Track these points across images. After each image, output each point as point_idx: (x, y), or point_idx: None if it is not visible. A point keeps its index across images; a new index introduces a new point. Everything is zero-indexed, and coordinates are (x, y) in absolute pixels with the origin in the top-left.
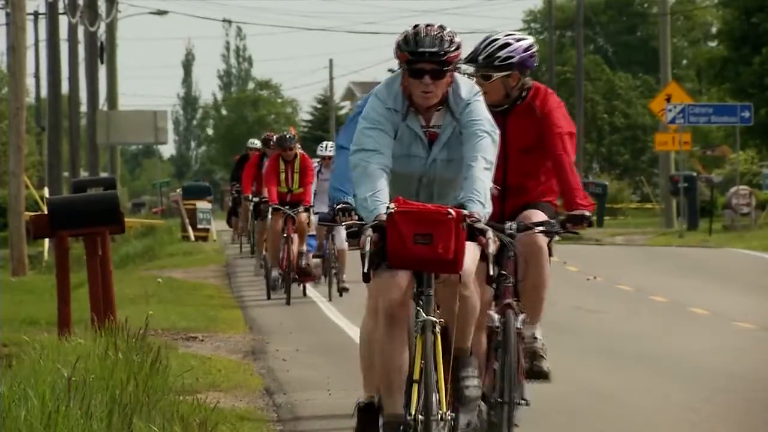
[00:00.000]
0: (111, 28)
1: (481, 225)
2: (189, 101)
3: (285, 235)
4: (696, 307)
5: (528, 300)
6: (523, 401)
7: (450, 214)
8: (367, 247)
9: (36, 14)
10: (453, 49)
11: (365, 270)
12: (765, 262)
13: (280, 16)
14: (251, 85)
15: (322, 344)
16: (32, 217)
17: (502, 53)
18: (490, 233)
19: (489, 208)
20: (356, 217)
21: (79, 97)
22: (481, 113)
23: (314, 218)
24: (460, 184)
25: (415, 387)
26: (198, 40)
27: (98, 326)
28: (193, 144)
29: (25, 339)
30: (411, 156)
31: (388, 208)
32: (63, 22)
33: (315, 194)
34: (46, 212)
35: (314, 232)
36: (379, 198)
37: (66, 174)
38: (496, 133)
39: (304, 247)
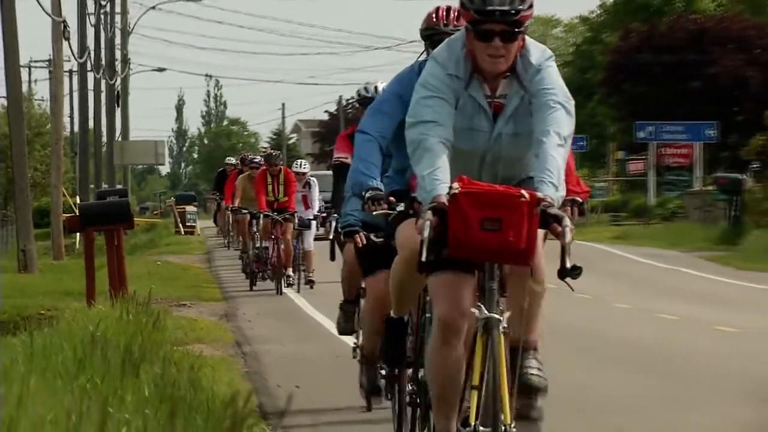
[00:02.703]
0: (125, 81)
1: (555, 210)
2: (180, 133)
3: (273, 236)
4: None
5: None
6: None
7: (523, 196)
8: (426, 233)
9: (71, 72)
10: (526, 7)
11: (423, 259)
12: (597, 250)
13: (247, 72)
14: (225, 122)
15: (276, 310)
16: (68, 217)
17: None
18: (566, 220)
19: (562, 191)
20: (386, 206)
21: (101, 131)
22: (554, 81)
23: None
24: (528, 164)
25: (475, 394)
26: (187, 89)
27: (114, 297)
28: (183, 165)
29: (62, 305)
30: (473, 130)
31: (450, 188)
32: (90, 77)
33: None
34: (77, 214)
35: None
36: (438, 177)
37: (92, 186)
38: (571, 103)
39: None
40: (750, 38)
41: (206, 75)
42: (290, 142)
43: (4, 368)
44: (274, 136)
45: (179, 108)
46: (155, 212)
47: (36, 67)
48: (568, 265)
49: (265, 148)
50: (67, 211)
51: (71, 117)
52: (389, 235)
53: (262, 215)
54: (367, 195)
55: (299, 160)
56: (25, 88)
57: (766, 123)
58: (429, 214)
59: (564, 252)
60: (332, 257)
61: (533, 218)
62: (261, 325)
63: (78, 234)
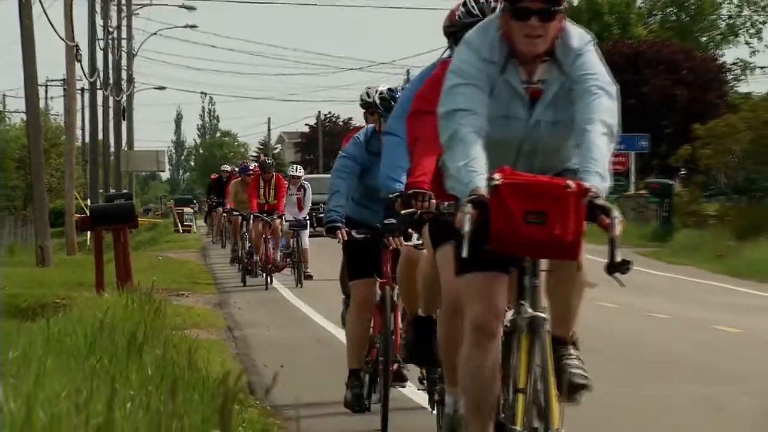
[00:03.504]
0: (130, 98)
1: (602, 201)
2: (179, 144)
3: (264, 236)
4: None
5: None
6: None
7: (569, 186)
8: (467, 227)
9: (82, 89)
10: None
11: (464, 254)
12: None
13: (237, 90)
14: (218, 134)
15: (263, 300)
16: (79, 217)
17: None
18: (615, 212)
19: (609, 182)
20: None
21: (109, 141)
22: (596, 66)
23: (285, 224)
24: (567, 154)
25: (521, 398)
26: (184, 105)
27: (121, 287)
28: (181, 171)
29: (75, 295)
30: (509, 118)
31: (491, 179)
32: (99, 94)
33: (285, 205)
34: (88, 215)
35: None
36: (475, 167)
37: (101, 190)
38: (614, 89)
39: (276, 244)
40: (678, 61)
41: (201, 93)
42: (275, 151)
43: (24, 350)
44: (261, 147)
45: (178, 121)
46: (157, 213)
47: (52, 85)
48: (618, 259)
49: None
50: (79, 212)
51: (83, 129)
52: (377, 234)
53: (252, 216)
54: (393, 196)
55: (294, 165)
56: (42, 104)
57: (691, 135)
58: (469, 207)
59: (613, 245)
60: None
61: (580, 209)
62: (250, 312)
63: (89, 232)
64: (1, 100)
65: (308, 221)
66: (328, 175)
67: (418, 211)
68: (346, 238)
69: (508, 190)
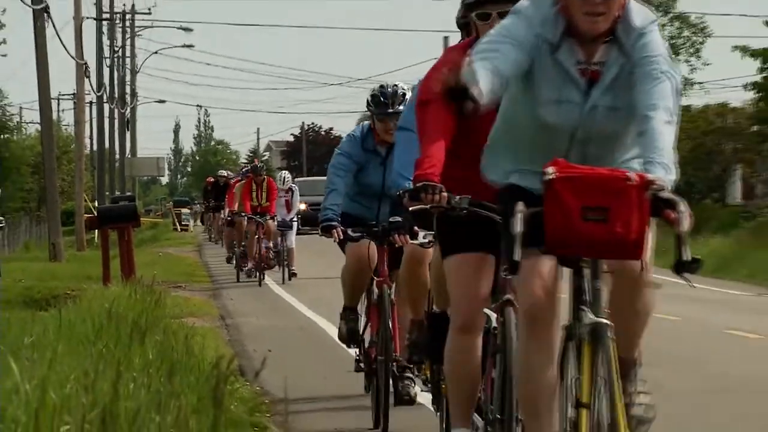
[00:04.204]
0: (133, 110)
1: (668, 195)
2: (177, 152)
3: (257, 236)
4: None
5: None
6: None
7: (630, 179)
8: (519, 227)
9: (90, 103)
10: None
11: (516, 258)
12: None
13: (230, 103)
14: (213, 143)
15: (253, 291)
16: (88, 217)
17: None
18: (682, 205)
19: (674, 174)
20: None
21: (114, 149)
22: (658, 48)
23: (274, 224)
24: (624, 144)
25: (584, 413)
26: (182, 116)
27: (125, 280)
28: (179, 176)
29: (84, 287)
30: (562, 102)
31: (545, 173)
32: (106, 107)
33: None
34: (96, 215)
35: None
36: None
37: (107, 193)
38: (677, 75)
39: (270, 244)
40: None
41: (197, 105)
42: (264, 158)
43: (38, 336)
44: (251, 154)
45: (176, 131)
46: (157, 213)
47: (63, 98)
48: (687, 257)
49: (248, 161)
50: (88, 213)
51: (91, 138)
52: (372, 233)
53: (246, 217)
54: (401, 193)
55: (283, 175)
56: (54, 116)
57: None
58: (521, 206)
59: (681, 242)
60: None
61: (643, 204)
62: (241, 303)
63: (96, 231)
64: (18, 111)
65: (294, 222)
66: (321, 178)
67: (428, 206)
68: (341, 237)
69: (563, 184)
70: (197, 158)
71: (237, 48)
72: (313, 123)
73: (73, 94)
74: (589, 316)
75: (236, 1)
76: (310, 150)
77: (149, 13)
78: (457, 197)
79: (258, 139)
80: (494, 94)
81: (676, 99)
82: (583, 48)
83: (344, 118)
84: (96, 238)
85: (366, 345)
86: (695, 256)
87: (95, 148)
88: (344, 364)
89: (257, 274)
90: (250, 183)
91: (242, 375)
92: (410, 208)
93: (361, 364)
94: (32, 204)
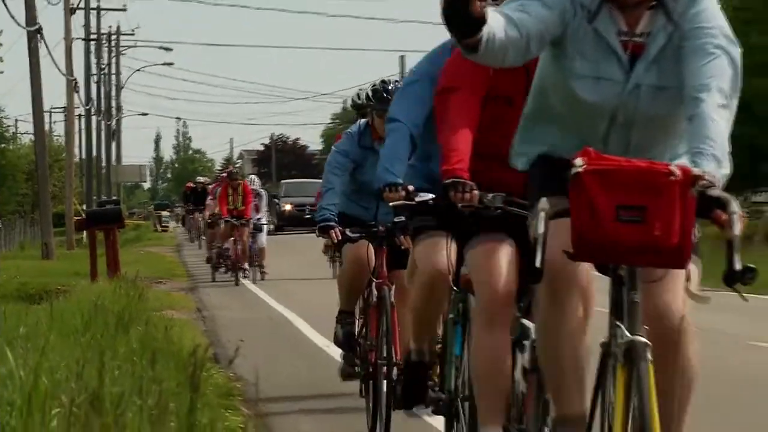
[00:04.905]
0: (118, 122)
1: (718, 192)
2: (158, 160)
3: (233, 238)
4: None
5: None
6: None
7: (673, 174)
8: (541, 228)
9: (79, 116)
10: None
11: (538, 264)
12: None
13: (206, 115)
14: (190, 152)
15: (227, 287)
16: (77, 219)
17: None
18: (734, 205)
19: (728, 168)
20: (403, 194)
21: (101, 157)
22: (715, 17)
23: (249, 227)
24: (672, 130)
25: None
26: (163, 128)
27: (111, 276)
28: (160, 182)
29: (73, 283)
30: (600, 79)
31: (572, 165)
32: (93, 119)
33: None
34: (84, 217)
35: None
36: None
37: (95, 197)
38: (736, 50)
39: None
40: None
41: (177, 118)
42: (236, 166)
43: (31, 328)
44: (225, 162)
45: (157, 141)
46: (140, 216)
47: (55, 111)
48: (738, 266)
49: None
50: (77, 215)
51: (80, 148)
52: (371, 233)
53: (223, 220)
54: (383, 185)
55: (252, 176)
56: (47, 127)
57: None
58: (544, 202)
59: (732, 249)
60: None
61: (688, 203)
62: (215, 297)
63: (85, 231)
64: (14, 123)
65: (264, 225)
66: (310, 180)
67: (459, 205)
68: (340, 238)
69: (593, 178)
70: (176, 166)
71: (212, 66)
72: (281, 134)
73: (64, 107)
74: (624, 334)
75: (212, 23)
76: (278, 158)
77: (133, 34)
78: (490, 195)
79: (231, 148)
80: (504, 48)
81: (734, 79)
82: (624, 15)
83: (310, 129)
84: (84, 239)
85: (361, 348)
86: (748, 265)
87: (84, 156)
88: (312, 353)
89: (234, 274)
90: (227, 188)
91: (217, 362)
92: (391, 204)
93: (357, 369)
94: (26, 207)
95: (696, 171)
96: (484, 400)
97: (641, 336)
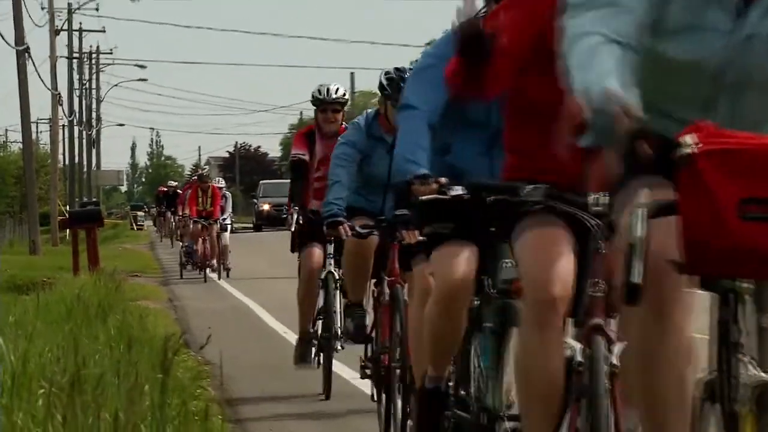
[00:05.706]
0: (98, 132)
1: None
2: (134, 165)
3: (201, 238)
4: None
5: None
6: None
7: None
8: (640, 230)
9: (63, 126)
10: None
11: (635, 280)
12: None
13: (176, 126)
14: (163, 158)
15: (196, 281)
16: (61, 219)
17: None
18: None
19: None
20: (435, 187)
21: (83, 163)
22: None
23: (217, 227)
24: None
25: None
26: (138, 137)
27: (91, 270)
28: (135, 186)
29: (57, 276)
30: (702, 30)
31: (680, 144)
32: (76, 129)
33: None
34: (67, 217)
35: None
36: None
37: (77, 199)
38: None
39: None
40: None
41: (151, 128)
42: (204, 171)
43: (20, 316)
44: (194, 167)
45: (133, 149)
46: (118, 216)
47: (41, 122)
48: None
49: (191, 172)
50: (61, 215)
51: (63, 155)
52: (382, 228)
53: (192, 221)
54: (413, 177)
55: (218, 177)
56: (33, 136)
57: None
58: (646, 194)
59: None
60: (293, 249)
61: None
62: (185, 289)
63: (68, 230)
64: (4, 133)
65: (228, 224)
66: (285, 181)
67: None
68: (349, 234)
69: (710, 162)
70: (150, 171)
71: (183, 81)
72: (244, 142)
73: (49, 118)
74: (752, 372)
75: (183, 43)
76: (242, 164)
77: (111, 53)
78: (529, 187)
79: (200, 155)
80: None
81: None
82: None
83: (270, 138)
84: (67, 236)
85: (372, 349)
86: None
87: (67, 162)
88: (272, 338)
89: (203, 271)
90: (196, 190)
91: (187, 347)
92: (421, 198)
93: (367, 371)
94: (15, 208)
95: None
96: (531, 416)
97: None
